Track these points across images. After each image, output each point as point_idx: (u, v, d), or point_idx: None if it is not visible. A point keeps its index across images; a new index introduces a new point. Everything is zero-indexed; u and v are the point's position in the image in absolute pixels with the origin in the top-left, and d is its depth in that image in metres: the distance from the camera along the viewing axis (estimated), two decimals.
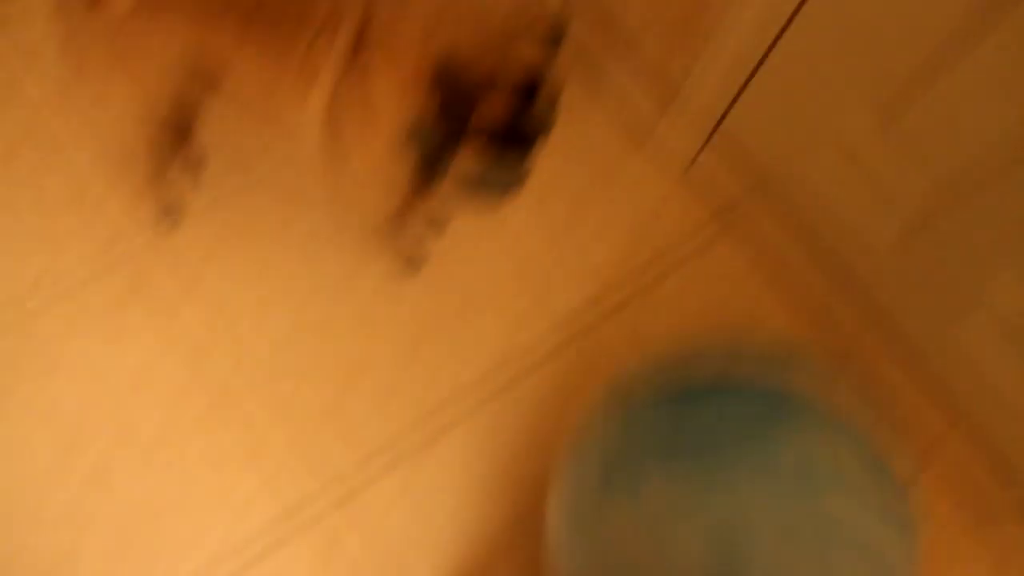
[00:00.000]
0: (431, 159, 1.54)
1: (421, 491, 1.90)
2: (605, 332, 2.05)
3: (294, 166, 2.12)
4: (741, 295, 2.10)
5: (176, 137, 1.90)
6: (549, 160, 2.02)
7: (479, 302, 2.06)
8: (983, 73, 1.50)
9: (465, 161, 1.52)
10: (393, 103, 1.48)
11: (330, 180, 1.66)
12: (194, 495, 1.86)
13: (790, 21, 1.72)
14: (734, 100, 1.96)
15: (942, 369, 1.94)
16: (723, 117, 2.02)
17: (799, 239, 2.06)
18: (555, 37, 1.48)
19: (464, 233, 2.10)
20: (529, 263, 2.10)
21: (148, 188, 2.01)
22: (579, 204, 2.16)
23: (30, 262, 2.01)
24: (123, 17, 1.50)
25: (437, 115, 1.46)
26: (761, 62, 1.84)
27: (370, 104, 1.50)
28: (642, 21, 2.04)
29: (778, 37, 1.77)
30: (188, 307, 1.99)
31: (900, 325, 1.96)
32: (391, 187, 1.68)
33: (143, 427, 1.90)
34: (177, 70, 1.59)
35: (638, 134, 2.21)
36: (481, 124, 1.46)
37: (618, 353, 2.03)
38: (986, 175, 1.59)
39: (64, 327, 1.96)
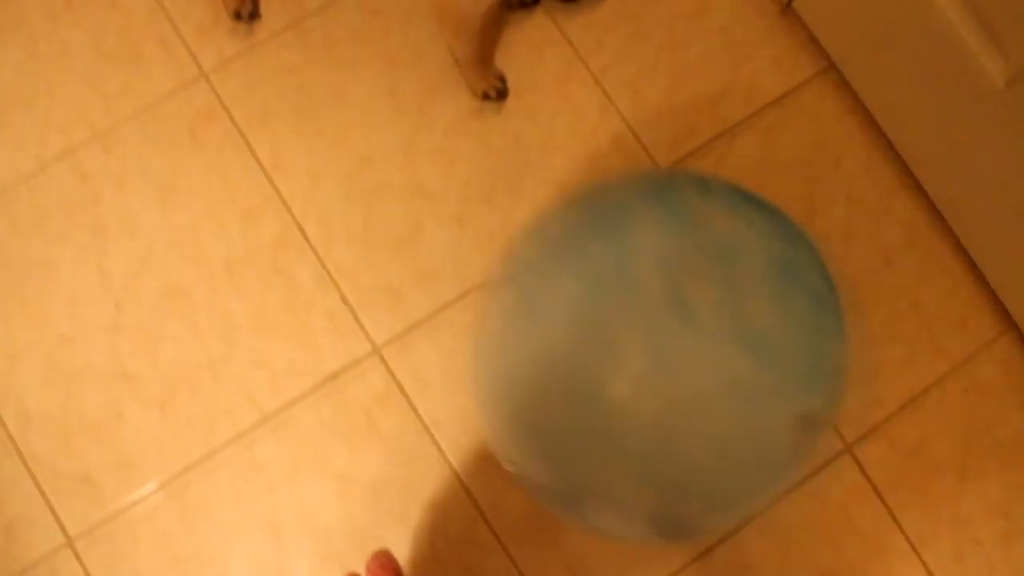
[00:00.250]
0: None
1: (461, 363, 1.84)
2: (691, 167, 1.96)
3: None
4: (826, 149, 1.99)
5: None
6: None
7: (557, 141, 1.96)
8: None
9: None
10: None
11: None
12: (237, 358, 1.83)
13: None
14: None
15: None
16: None
17: (891, 99, 1.92)
18: None
19: (544, 70, 1.99)
20: (610, 103, 1.99)
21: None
22: (665, 41, 2.02)
23: (85, 110, 1.93)
24: None
25: None
26: None
27: None
28: None
29: None
30: (244, 168, 1.91)
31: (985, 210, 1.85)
32: None
33: (192, 287, 1.86)
34: None
35: None
36: None
37: None
38: None
39: (118, 179, 1.90)
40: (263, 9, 1.97)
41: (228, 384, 1.81)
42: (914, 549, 1.79)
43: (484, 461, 1.79)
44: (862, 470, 1.81)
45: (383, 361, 1.83)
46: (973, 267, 1.90)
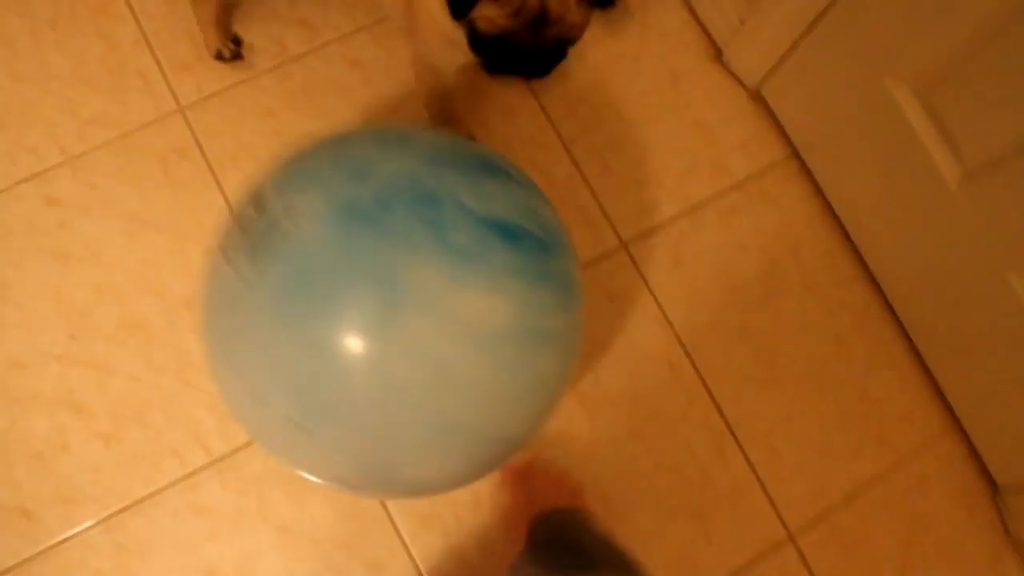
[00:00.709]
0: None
1: None
2: (653, 243, 1.89)
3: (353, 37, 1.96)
4: (785, 234, 1.93)
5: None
6: (620, 62, 1.98)
7: None
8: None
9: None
10: None
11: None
12: (189, 398, 1.73)
13: None
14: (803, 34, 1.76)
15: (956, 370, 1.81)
16: (793, 46, 1.80)
17: (849, 190, 1.89)
18: None
19: (516, 135, 1.93)
20: (578, 171, 1.93)
21: (208, 32, 1.86)
22: (636, 116, 1.97)
23: (59, 133, 1.84)
24: None
25: None
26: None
27: None
28: None
29: None
30: (212, 206, 1.82)
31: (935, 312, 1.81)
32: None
33: (149, 323, 1.76)
34: None
35: (719, 42, 2.01)
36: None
37: (662, 266, 1.88)
38: None
39: (84, 206, 1.80)
40: (246, 50, 1.91)
41: (177, 424, 1.71)
42: None
43: (430, 523, 1.70)
44: (803, 560, 1.75)
45: None
46: (922, 362, 1.86)
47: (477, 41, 1.38)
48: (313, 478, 1.26)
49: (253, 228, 1.18)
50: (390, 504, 1.70)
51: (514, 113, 1.93)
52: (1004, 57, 1.37)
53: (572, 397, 1.77)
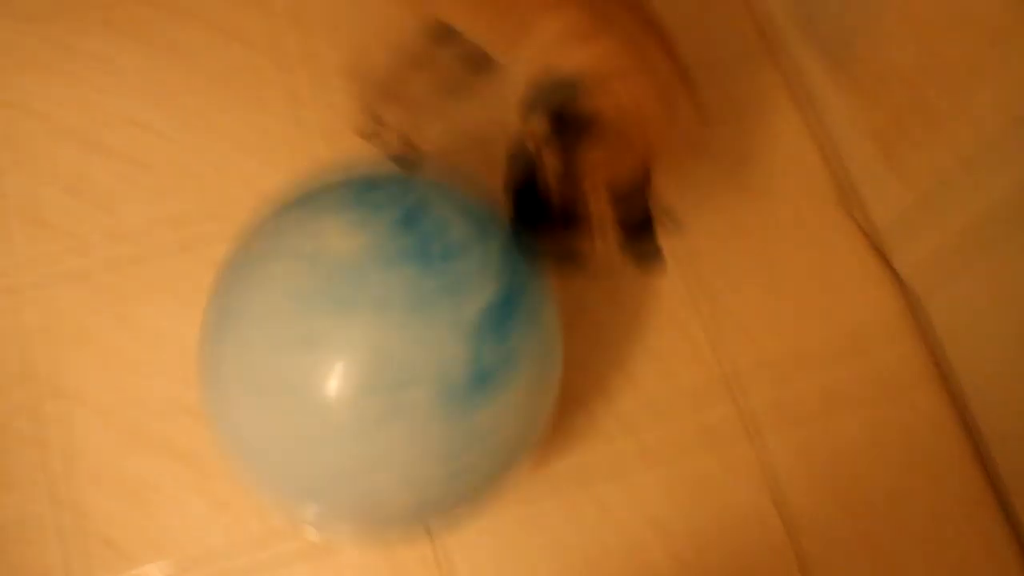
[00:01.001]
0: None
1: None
2: (754, 389, 1.88)
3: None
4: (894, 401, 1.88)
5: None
6: (746, 194, 1.99)
7: (620, 326, 1.91)
8: None
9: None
10: None
11: None
12: None
13: None
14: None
15: None
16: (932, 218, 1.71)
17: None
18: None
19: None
20: (691, 301, 1.94)
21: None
22: (764, 244, 1.98)
23: (203, 191, 1.99)
24: None
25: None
26: None
27: None
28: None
29: None
30: None
31: None
32: None
33: None
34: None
35: (849, 192, 1.98)
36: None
37: (764, 413, 1.86)
38: None
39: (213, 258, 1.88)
40: (385, 131, 1.96)
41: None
42: None
43: None
44: None
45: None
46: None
47: (514, 147, 1.40)
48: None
49: None
50: None
51: None
52: None
53: (645, 522, 1.77)
